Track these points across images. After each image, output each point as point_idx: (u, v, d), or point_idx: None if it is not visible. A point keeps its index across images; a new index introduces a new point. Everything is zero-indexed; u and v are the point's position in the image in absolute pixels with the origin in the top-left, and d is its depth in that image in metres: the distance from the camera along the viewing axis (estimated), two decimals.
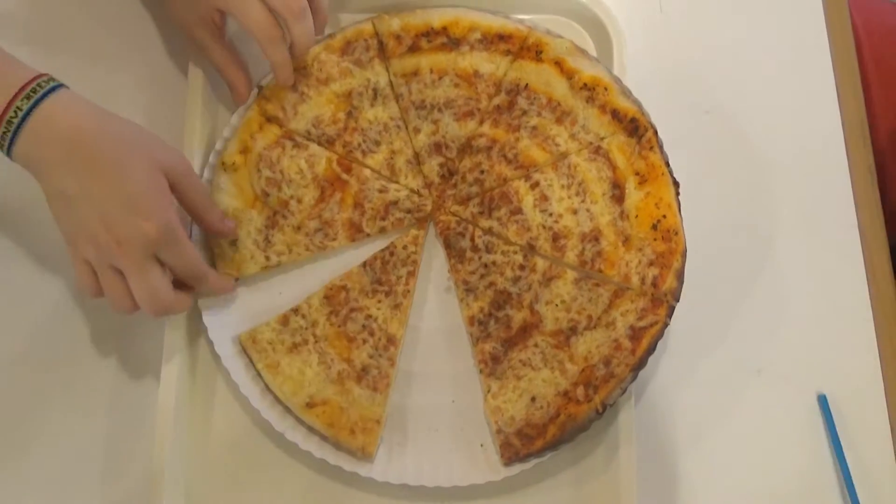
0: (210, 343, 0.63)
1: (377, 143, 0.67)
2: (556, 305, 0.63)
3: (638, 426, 0.62)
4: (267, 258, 0.65)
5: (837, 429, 0.63)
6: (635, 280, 0.63)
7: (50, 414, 0.64)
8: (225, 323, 0.64)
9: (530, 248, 0.65)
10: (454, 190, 0.67)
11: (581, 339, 0.62)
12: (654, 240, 0.62)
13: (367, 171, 0.67)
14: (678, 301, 0.62)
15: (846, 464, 0.62)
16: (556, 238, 0.65)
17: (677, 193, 0.63)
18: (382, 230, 0.66)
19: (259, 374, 0.62)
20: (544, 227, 0.65)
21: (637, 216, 0.63)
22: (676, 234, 0.62)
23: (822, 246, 0.69)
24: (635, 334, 0.61)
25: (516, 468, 0.60)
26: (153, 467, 0.59)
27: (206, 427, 0.64)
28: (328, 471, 0.62)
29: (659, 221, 0.62)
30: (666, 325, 0.61)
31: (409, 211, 0.67)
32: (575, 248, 0.65)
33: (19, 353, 0.65)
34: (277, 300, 0.65)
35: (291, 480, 0.63)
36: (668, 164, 0.64)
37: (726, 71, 0.73)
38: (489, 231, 0.66)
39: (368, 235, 0.66)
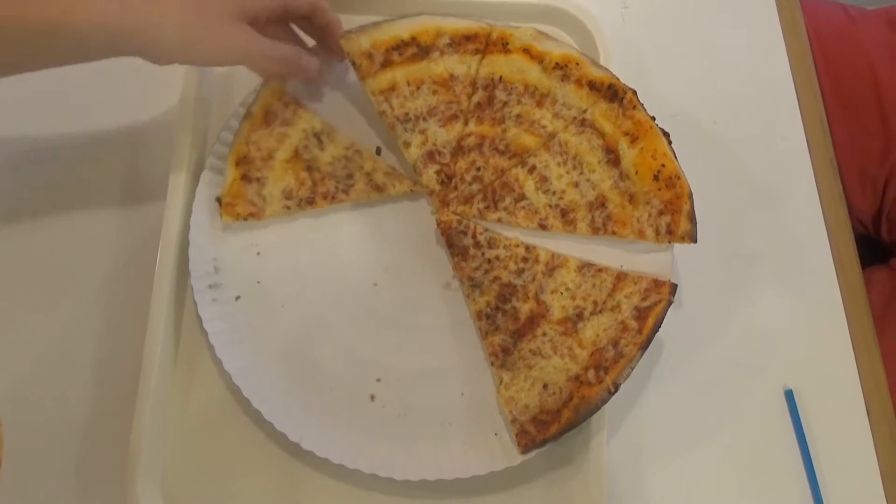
0: (199, 320, 0.64)
1: (350, 177, 0.69)
2: (562, 294, 0.65)
3: (613, 412, 0.64)
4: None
5: (805, 423, 0.66)
6: (650, 232, 0.65)
7: (26, 393, 0.65)
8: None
9: (542, 229, 0.67)
10: (456, 192, 0.68)
11: (588, 325, 0.63)
12: (659, 189, 0.65)
13: None
14: (696, 241, 0.64)
15: (810, 457, 0.65)
16: (564, 213, 0.67)
17: (669, 143, 0.66)
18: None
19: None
20: (550, 206, 0.67)
21: (637, 172, 0.65)
22: (679, 178, 0.64)
23: (791, 241, 0.72)
24: (641, 314, 0.62)
25: (533, 453, 0.61)
26: (130, 449, 0.60)
27: (184, 408, 0.65)
28: (305, 457, 0.62)
29: (659, 171, 0.65)
30: (670, 302, 0.63)
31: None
32: (585, 219, 0.66)
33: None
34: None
35: (267, 464, 0.63)
36: (653, 119, 0.66)
37: (689, 75, 0.76)
38: (499, 221, 0.67)
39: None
